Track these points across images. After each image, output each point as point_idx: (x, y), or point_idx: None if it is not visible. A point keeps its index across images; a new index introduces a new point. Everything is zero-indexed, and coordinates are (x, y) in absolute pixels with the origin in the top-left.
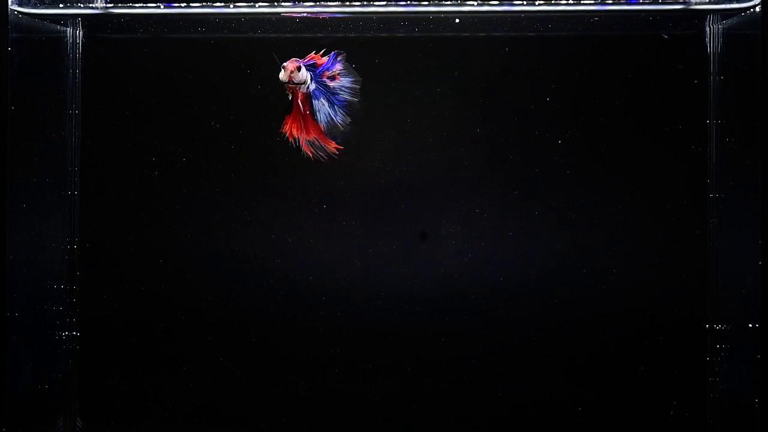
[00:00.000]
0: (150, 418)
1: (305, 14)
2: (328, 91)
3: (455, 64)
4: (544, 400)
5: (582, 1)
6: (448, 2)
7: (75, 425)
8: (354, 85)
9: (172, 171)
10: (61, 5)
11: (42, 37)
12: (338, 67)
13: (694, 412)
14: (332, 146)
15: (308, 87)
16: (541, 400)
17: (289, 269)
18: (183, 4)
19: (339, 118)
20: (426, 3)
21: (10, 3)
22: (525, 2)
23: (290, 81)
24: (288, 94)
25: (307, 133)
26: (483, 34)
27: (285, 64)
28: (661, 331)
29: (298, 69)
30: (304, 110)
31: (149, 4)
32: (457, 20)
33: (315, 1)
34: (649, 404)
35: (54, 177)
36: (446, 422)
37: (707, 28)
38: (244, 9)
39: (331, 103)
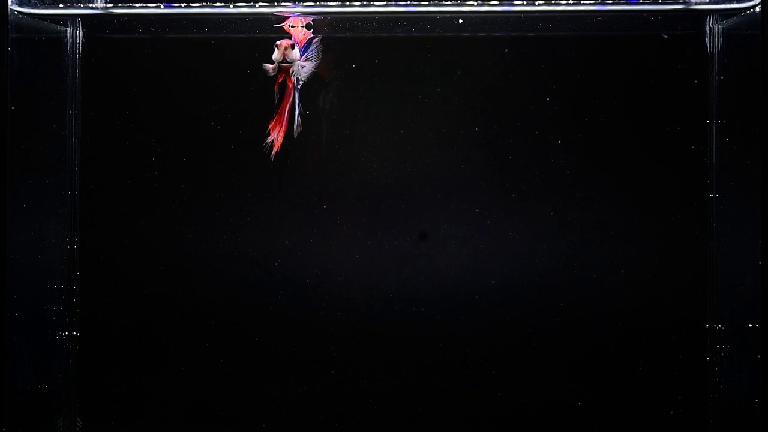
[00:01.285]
0: (150, 418)
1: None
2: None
3: (455, 64)
4: (544, 400)
5: (582, 1)
6: (448, 2)
7: (75, 425)
8: (311, 68)
9: (172, 171)
10: (61, 5)
11: (42, 37)
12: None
13: (694, 412)
14: (278, 146)
15: (299, 69)
16: (541, 400)
17: (288, 269)
18: (183, 4)
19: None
20: (426, 3)
21: (10, 3)
22: (525, 2)
23: (284, 59)
24: (276, 92)
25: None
26: (483, 34)
27: (278, 42)
28: (661, 331)
29: (292, 47)
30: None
31: (149, 4)
32: (461, 20)
33: (315, 1)
34: (649, 404)
35: (54, 177)
36: (446, 422)
37: (707, 28)
38: (244, 9)
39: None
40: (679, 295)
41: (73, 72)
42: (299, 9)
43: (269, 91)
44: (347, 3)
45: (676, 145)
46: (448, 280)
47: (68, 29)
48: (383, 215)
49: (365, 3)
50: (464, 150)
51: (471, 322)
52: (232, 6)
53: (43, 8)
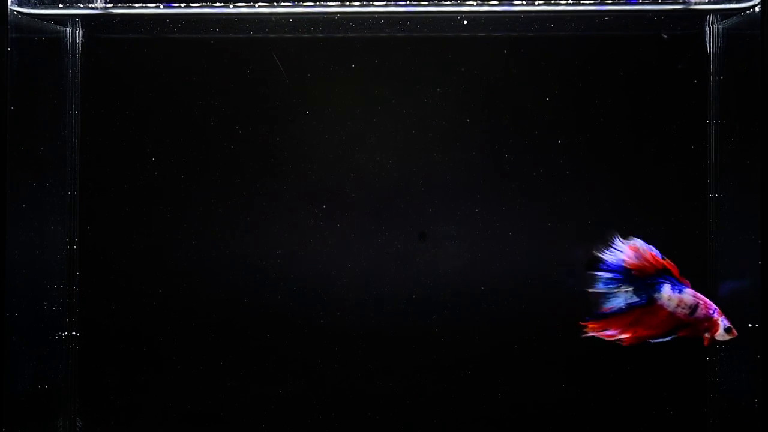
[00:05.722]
0: (150, 418)
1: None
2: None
3: (455, 64)
4: (544, 400)
5: (582, 1)
6: (448, 2)
7: (75, 425)
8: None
9: (172, 171)
10: (61, 5)
11: (42, 37)
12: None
13: (694, 412)
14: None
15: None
16: (540, 400)
17: (288, 269)
18: (183, 4)
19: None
20: (426, 3)
21: (10, 3)
22: (525, 2)
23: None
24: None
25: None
26: (483, 34)
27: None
28: None
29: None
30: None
31: (149, 4)
32: (465, 21)
33: (315, 1)
34: (649, 404)
35: (54, 177)
36: (446, 422)
37: (707, 28)
38: (244, 9)
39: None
40: None
41: (73, 72)
42: (299, 9)
43: (269, 92)
44: (347, 3)
45: (676, 145)
46: (447, 280)
47: (68, 29)
48: (383, 215)
49: (365, 3)
50: (464, 150)
51: (470, 322)
52: (231, 6)
53: (42, 8)
